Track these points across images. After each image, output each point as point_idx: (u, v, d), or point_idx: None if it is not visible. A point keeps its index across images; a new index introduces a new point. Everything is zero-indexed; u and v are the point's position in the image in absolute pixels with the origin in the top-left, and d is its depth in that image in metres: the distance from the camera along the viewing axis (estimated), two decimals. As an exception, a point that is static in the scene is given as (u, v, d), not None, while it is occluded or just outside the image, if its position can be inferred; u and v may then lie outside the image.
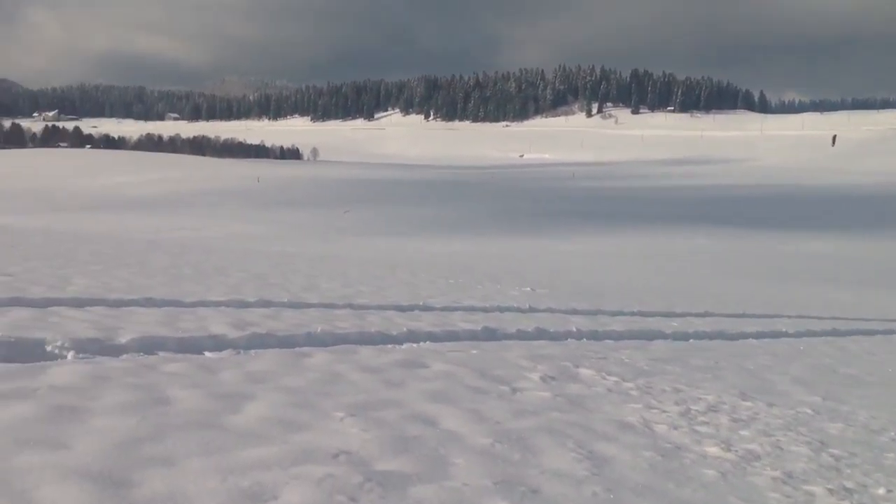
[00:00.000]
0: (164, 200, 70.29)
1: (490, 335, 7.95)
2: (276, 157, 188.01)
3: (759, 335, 10.97)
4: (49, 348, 5.37)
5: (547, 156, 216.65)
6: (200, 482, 3.16)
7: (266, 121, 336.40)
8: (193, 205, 66.14)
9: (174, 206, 63.97)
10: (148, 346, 5.74)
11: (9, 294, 7.43)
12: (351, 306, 9.33)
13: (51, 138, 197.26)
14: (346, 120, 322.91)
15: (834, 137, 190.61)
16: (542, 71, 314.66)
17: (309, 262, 18.46)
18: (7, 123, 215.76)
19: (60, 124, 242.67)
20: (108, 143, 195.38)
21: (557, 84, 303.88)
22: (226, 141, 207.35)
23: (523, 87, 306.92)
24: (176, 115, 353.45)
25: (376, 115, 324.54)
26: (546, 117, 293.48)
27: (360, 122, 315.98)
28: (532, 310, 10.93)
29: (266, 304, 8.78)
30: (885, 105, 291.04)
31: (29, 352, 5.22)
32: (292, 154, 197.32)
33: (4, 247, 13.94)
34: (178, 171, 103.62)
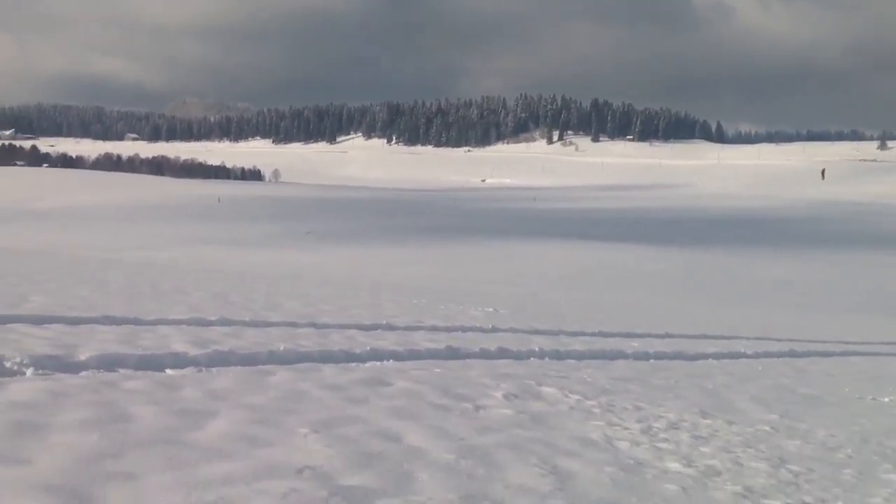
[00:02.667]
0: (119, 219, 69.48)
1: (453, 354, 7.96)
2: (236, 178, 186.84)
3: (718, 356, 11.12)
4: (7, 364, 5.27)
5: (508, 181, 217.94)
6: (164, 497, 3.14)
7: (227, 142, 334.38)
8: (151, 224, 65.44)
9: (130, 226, 63.24)
10: (108, 363, 5.66)
11: (-36, 311, 7.30)
12: (314, 325, 9.29)
13: (7, 157, 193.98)
14: (307, 143, 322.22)
15: (823, 171, 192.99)
16: (504, 99, 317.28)
17: (270, 281, 18.36)
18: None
19: (17, 143, 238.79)
20: (66, 162, 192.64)
21: (519, 112, 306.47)
22: (185, 161, 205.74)
23: (485, 113, 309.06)
24: (135, 136, 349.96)
25: (338, 139, 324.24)
26: (508, 143, 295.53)
27: (322, 146, 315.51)
28: (495, 329, 10.97)
29: (227, 322, 8.70)
30: (839, 137, 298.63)
31: (-13, 369, 5.13)
32: (253, 175, 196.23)
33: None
34: (135, 190, 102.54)
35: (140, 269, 19.26)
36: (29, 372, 5.21)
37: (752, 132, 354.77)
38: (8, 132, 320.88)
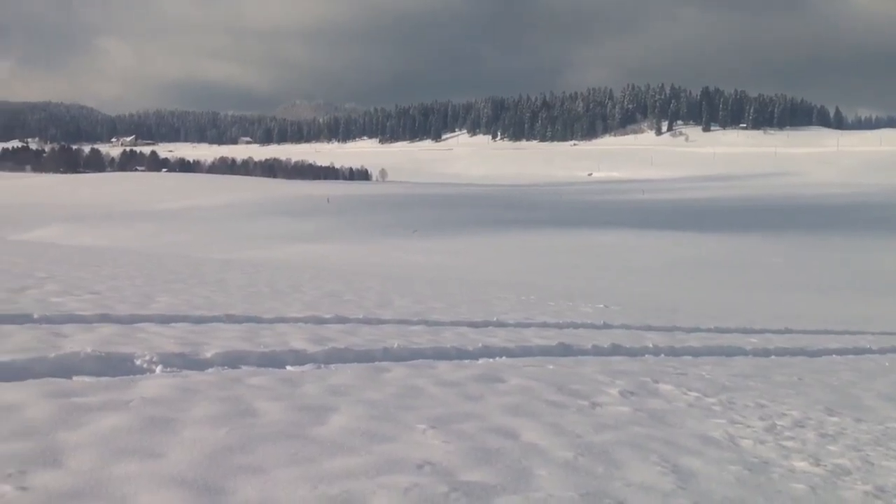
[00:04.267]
0: (234, 220, 71.71)
1: (565, 351, 7.92)
2: (345, 178, 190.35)
3: (841, 351, 10.70)
4: (138, 362, 5.53)
5: (616, 174, 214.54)
6: (291, 490, 3.22)
7: (335, 143, 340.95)
8: (264, 225, 67.31)
9: (245, 227, 65.20)
10: (231, 360, 5.87)
11: (97, 311, 7.69)
12: (425, 322, 9.39)
13: (128, 162, 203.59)
14: (413, 141, 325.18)
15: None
16: (611, 90, 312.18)
17: (380, 279, 18.65)
18: (87, 149, 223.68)
19: (138, 149, 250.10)
20: (184, 166, 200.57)
21: (626, 103, 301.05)
22: (296, 163, 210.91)
23: (591, 106, 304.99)
24: (248, 139, 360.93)
25: (443, 137, 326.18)
26: (615, 136, 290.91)
27: (427, 144, 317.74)
28: (607, 326, 10.85)
29: (342, 320, 8.90)
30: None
31: (119, 366, 5.39)
32: (361, 175, 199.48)
33: (89, 267, 14.40)
34: (249, 192, 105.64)
35: (256, 268, 19.85)
36: (158, 369, 5.45)
37: (873, 117, 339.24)
38: (129, 138, 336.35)
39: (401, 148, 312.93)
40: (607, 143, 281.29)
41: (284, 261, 32.39)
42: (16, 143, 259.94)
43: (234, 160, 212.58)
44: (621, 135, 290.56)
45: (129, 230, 59.15)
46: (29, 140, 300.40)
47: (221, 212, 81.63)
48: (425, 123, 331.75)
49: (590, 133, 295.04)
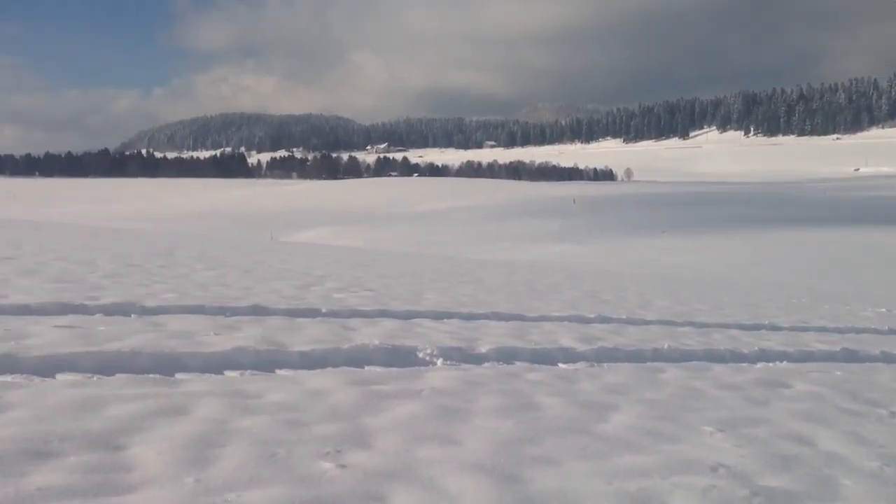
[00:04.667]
0: (484, 222, 73.41)
1: (851, 356, 7.41)
2: (589, 179, 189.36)
3: None
4: (420, 355, 5.83)
5: (886, 169, 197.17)
6: (586, 483, 3.26)
7: (578, 144, 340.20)
8: (512, 226, 68.40)
9: (494, 228, 66.57)
10: (505, 355, 6.04)
11: (376, 307, 8.18)
12: (692, 324, 9.14)
13: (382, 168, 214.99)
14: (658, 140, 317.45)
15: None
16: (875, 80, 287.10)
17: (637, 280, 18.36)
18: (345, 156, 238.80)
19: (390, 155, 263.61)
20: (433, 171, 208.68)
21: (894, 93, 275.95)
22: (540, 165, 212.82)
23: (854, 97, 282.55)
24: (493, 143, 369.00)
25: (691, 134, 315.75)
26: (883, 128, 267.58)
27: (674, 142, 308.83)
28: (892, 332, 10.02)
29: (606, 319, 8.87)
30: None
31: (404, 358, 5.71)
32: (605, 175, 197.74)
33: (360, 266, 15.34)
34: (496, 194, 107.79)
35: (511, 268, 20.23)
36: (439, 362, 5.71)
37: None
38: (382, 146, 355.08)
39: (645, 147, 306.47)
40: (874, 136, 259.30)
41: (535, 261, 32.75)
42: (283, 153, 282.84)
43: (479, 163, 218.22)
44: (891, 127, 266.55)
45: (387, 232, 62.26)
46: (294, 149, 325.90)
47: (471, 213, 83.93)
48: (671, 121, 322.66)
49: (854, 126, 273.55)
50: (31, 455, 3.08)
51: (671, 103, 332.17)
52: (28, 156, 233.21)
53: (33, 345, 4.94)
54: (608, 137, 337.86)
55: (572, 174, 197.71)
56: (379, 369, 5.21)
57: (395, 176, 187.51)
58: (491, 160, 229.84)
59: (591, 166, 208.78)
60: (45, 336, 5.25)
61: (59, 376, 4.40)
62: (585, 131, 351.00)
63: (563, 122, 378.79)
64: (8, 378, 4.26)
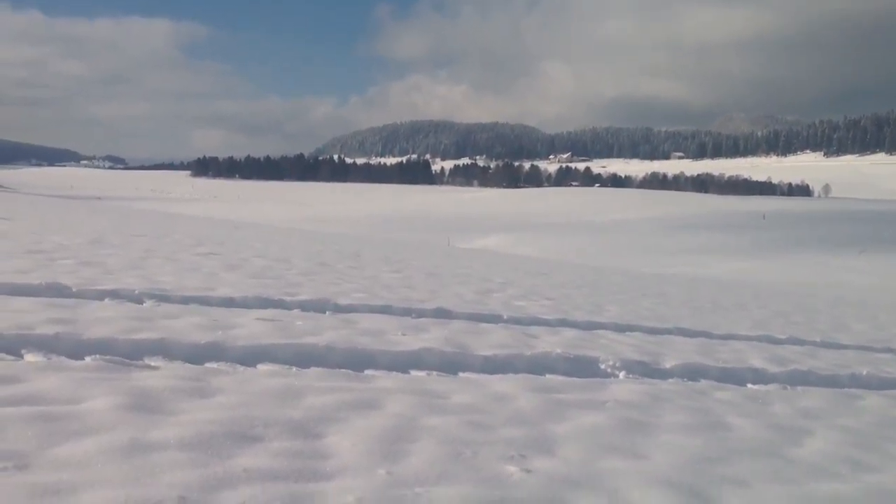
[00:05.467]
0: (664, 235, 71.60)
1: None
2: (782, 194, 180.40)
3: None
4: (602, 366, 5.79)
5: None
6: (779, 508, 3.14)
7: (773, 157, 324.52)
8: (693, 240, 66.32)
9: (675, 241, 64.78)
10: (691, 372, 5.89)
11: (557, 315, 8.19)
12: (892, 351, 8.57)
13: (563, 178, 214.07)
14: (863, 155, 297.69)
15: None
16: None
17: (830, 301, 17.38)
18: (527, 165, 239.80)
19: (573, 165, 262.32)
20: (615, 181, 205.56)
21: None
22: (730, 178, 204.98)
23: None
24: (681, 154, 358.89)
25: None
26: None
27: (880, 157, 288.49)
28: None
29: (798, 341, 8.48)
30: None
31: (586, 368, 5.69)
32: (801, 191, 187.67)
33: (539, 275, 15.38)
34: (678, 207, 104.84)
35: (693, 283, 19.66)
36: (622, 374, 5.65)
37: None
38: (565, 155, 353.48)
39: (848, 162, 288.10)
40: None
41: (720, 277, 31.63)
42: (466, 160, 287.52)
43: (665, 175, 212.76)
44: None
45: (563, 241, 62.00)
46: (477, 157, 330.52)
47: (651, 226, 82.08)
48: (878, 135, 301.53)
49: None
50: (238, 438, 3.31)
51: (880, 116, 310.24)
52: (230, 158, 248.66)
53: (238, 335, 5.30)
54: (807, 150, 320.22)
55: (764, 188, 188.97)
56: (561, 378, 5.22)
57: (576, 186, 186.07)
58: (677, 172, 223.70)
59: (786, 181, 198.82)
60: (248, 327, 5.61)
61: (261, 366, 4.69)
62: (783, 144, 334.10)
63: (758, 134, 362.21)
64: (214, 365, 4.58)
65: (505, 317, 7.71)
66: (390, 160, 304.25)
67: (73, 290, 6.45)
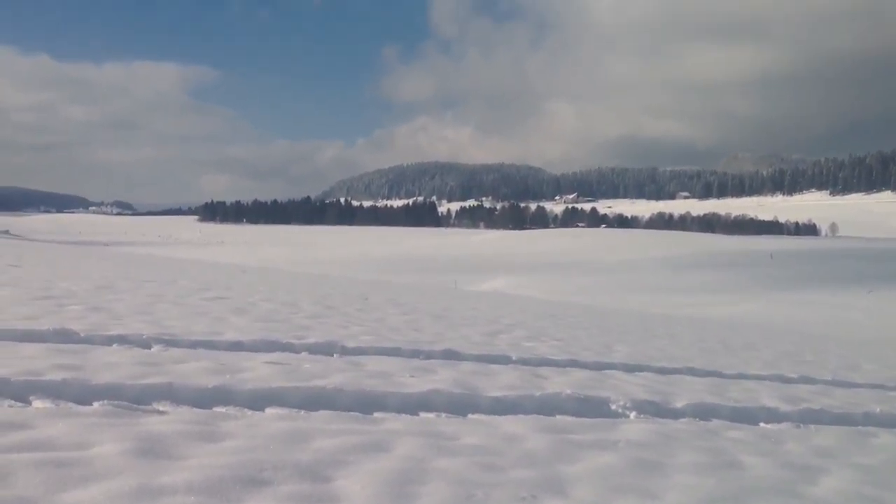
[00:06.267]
0: (670, 276, 71.46)
1: None
2: (789, 233, 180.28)
3: None
4: (613, 407, 5.74)
5: None
6: (796, 549, 3.10)
7: (780, 196, 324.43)
8: (698, 280, 66.15)
9: (681, 282, 64.63)
10: (702, 412, 5.84)
11: (566, 356, 8.15)
12: (904, 390, 8.50)
13: (570, 219, 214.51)
14: (869, 193, 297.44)
15: None
16: None
17: (839, 341, 17.28)
18: (533, 206, 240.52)
19: (579, 206, 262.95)
20: (621, 222, 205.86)
21: None
22: (736, 217, 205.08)
23: None
24: (686, 194, 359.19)
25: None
26: None
27: (886, 195, 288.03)
28: None
29: (809, 380, 8.41)
30: None
31: (596, 408, 5.65)
32: (808, 230, 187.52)
33: (546, 317, 15.34)
34: (686, 247, 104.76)
35: (702, 324, 19.58)
36: (632, 415, 5.60)
37: None
38: (571, 196, 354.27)
39: (854, 201, 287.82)
40: None
41: (728, 317, 31.51)
42: (472, 202, 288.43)
43: (671, 215, 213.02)
44: None
45: (570, 282, 61.94)
46: (483, 198, 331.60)
47: (657, 265, 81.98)
48: (884, 173, 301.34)
49: None
50: (246, 482, 3.29)
51: (885, 154, 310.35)
52: (238, 202, 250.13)
53: (246, 379, 5.28)
54: (813, 189, 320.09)
55: (771, 228, 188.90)
56: (571, 418, 5.17)
57: (582, 227, 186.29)
58: (683, 212, 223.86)
59: (793, 220, 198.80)
60: (256, 371, 5.60)
61: (269, 409, 4.66)
62: (788, 182, 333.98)
63: (763, 173, 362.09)
64: (222, 409, 4.56)
65: (514, 358, 7.67)
66: (397, 202, 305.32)
67: (81, 335, 6.45)
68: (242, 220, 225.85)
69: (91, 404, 4.28)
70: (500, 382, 6.13)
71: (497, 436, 4.46)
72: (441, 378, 6.01)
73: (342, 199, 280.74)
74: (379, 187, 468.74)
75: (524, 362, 7.52)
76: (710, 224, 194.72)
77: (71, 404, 4.27)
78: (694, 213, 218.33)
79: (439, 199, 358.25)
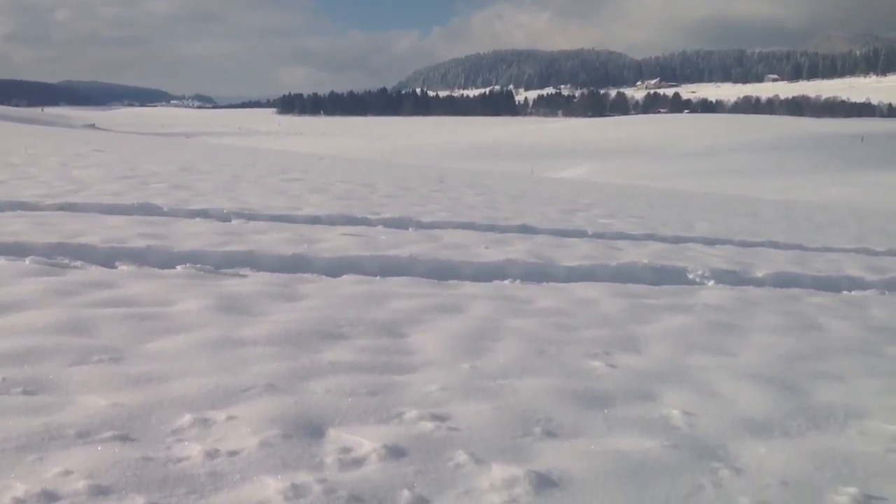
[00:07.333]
0: (755, 161, 69.46)
1: None
2: (882, 116, 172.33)
3: None
4: (690, 276, 5.67)
5: None
6: (877, 400, 3.04)
7: (873, 77, 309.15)
8: (789, 164, 64.18)
9: (767, 167, 62.82)
10: (783, 281, 5.72)
11: (644, 231, 8.06)
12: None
13: (651, 105, 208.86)
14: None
15: None
16: None
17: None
18: (613, 93, 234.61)
19: (661, 91, 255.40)
20: (706, 107, 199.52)
21: None
22: (826, 100, 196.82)
23: None
24: (775, 76, 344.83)
25: None
26: None
27: None
28: None
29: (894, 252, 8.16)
30: None
31: (673, 277, 5.59)
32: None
33: (627, 197, 15.13)
34: (771, 132, 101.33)
35: (788, 205, 19.09)
36: (710, 283, 5.51)
37: None
38: (653, 81, 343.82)
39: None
40: None
41: (815, 199, 30.63)
42: (550, 90, 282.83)
43: (758, 99, 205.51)
44: None
45: (652, 169, 60.82)
46: (561, 87, 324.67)
47: (740, 151, 79.70)
48: None
49: None
50: (324, 336, 3.36)
51: None
52: (315, 95, 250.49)
53: (324, 248, 5.37)
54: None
55: (863, 110, 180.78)
56: (646, 287, 5.13)
57: (664, 112, 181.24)
58: (771, 95, 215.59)
59: (886, 101, 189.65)
60: (333, 241, 5.69)
61: (346, 276, 4.73)
62: (882, 63, 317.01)
63: (857, 53, 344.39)
64: (301, 275, 4.65)
65: (590, 232, 7.62)
66: (473, 92, 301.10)
67: (165, 209, 6.63)
68: (319, 112, 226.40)
69: (174, 268, 4.41)
70: (576, 253, 6.10)
71: (571, 300, 4.46)
72: (516, 249, 6.01)
73: (418, 90, 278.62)
74: (455, 77, 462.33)
75: (600, 236, 7.47)
76: (798, 107, 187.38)
77: (154, 269, 4.41)
78: (782, 97, 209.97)
79: (516, 87, 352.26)
